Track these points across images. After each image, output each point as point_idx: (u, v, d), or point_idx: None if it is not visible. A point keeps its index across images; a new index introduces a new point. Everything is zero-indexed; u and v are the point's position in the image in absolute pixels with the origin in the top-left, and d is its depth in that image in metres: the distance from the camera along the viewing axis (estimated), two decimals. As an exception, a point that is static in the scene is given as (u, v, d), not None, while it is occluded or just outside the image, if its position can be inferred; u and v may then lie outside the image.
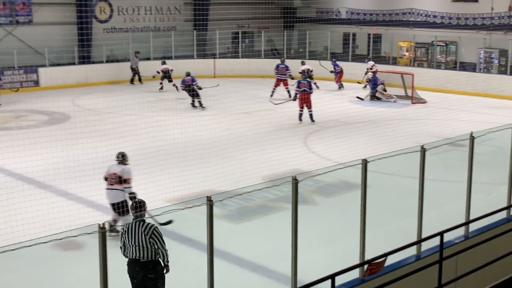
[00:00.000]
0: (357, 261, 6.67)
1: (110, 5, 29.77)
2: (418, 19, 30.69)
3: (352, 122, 19.21)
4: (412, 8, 30.92)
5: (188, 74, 21.61)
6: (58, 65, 26.59)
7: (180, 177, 12.59)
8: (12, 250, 5.40)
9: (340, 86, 26.37)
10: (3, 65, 24.89)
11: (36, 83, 25.47)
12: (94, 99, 21.01)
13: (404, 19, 31.19)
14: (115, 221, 10.01)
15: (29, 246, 4.96)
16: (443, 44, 29.45)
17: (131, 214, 7.22)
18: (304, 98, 19.12)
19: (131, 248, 6.76)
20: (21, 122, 19.40)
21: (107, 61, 27.90)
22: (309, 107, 19.14)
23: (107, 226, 4.99)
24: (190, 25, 31.95)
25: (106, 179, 10.17)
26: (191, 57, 30.04)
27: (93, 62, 27.76)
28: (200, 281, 6.01)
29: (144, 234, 6.69)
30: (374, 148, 14.01)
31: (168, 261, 6.92)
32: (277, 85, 23.73)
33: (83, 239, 6.42)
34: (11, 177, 13.19)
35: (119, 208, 9.94)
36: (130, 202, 9.53)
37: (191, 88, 21.41)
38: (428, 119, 20.10)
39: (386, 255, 6.29)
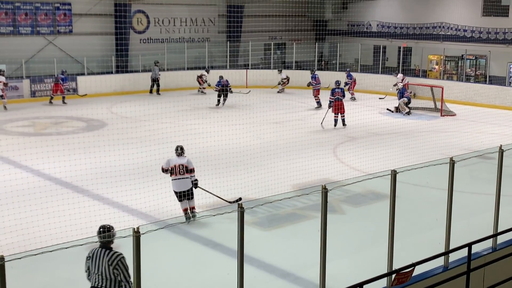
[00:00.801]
0: (384, 270, 6.61)
1: (147, 16, 30.13)
2: (448, 33, 30.41)
3: (382, 133, 19.09)
4: (443, 22, 30.66)
5: (222, 77, 24.24)
6: (96, 73, 26.97)
7: (212, 184, 12.62)
8: (50, 251, 5.49)
9: (353, 98, 26.27)
10: (44, 73, 25.36)
11: (75, 90, 25.85)
12: (130, 107, 21.24)
13: (434, 32, 30.95)
14: (186, 209, 10.99)
15: (66, 248, 5.03)
16: (473, 58, 29.14)
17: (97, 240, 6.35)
18: (338, 105, 19.99)
19: (94, 276, 6.28)
20: (60, 128, 19.71)
21: (143, 71, 28.19)
22: (343, 112, 20.04)
23: (141, 230, 5.02)
24: (224, 36, 32.16)
25: (167, 171, 11.09)
26: (224, 67, 30.22)
27: (130, 71, 28.08)
28: (229, 286, 6.01)
29: (108, 264, 6.17)
30: (403, 159, 13.90)
31: None
32: (317, 94, 24.15)
33: (117, 242, 6.43)
34: (50, 181, 13.37)
35: (189, 193, 10.95)
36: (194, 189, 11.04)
37: (225, 88, 23.87)
38: (457, 131, 19.86)
39: (414, 265, 6.23)
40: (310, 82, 24.85)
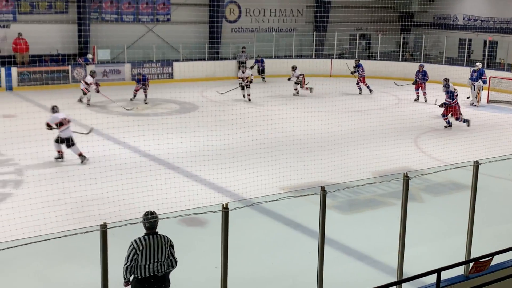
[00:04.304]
0: (461, 259, 6.43)
1: (239, 6, 30.33)
2: (537, 27, 28.88)
3: (464, 125, 18.42)
4: (531, 15, 29.15)
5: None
6: (190, 60, 27.45)
7: (294, 167, 12.65)
8: (146, 222, 5.68)
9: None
10: (143, 58, 26.13)
11: (171, 75, 26.47)
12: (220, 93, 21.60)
13: (521, 26, 29.47)
14: (81, 153, 13.34)
15: (162, 219, 5.19)
16: (561, 52, 27.56)
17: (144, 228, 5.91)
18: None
19: (149, 266, 5.83)
20: (156, 110, 20.22)
21: (233, 58, 28.45)
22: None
23: (229, 207, 5.10)
24: (311, 26, 31.92)
25: (57, 123, 13.27)
26: (310, 56, 30.04)
27: (221, 59, 28.39)
28: (310, 265, 6.01)
29: (169, 246, 5.95)
30: (484, 151, 13.39)
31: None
32: (362, 81, 24.32)
33: (205, 217, 6.52)
34: (145, 157, 13.80)
35: (72, 140, 13.34)
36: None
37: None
38: (542, 126, 18.88)
39: (492, 254, 6.02)
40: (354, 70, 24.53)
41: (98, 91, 20.23)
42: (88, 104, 20.37)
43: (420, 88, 22.58)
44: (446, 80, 18.81)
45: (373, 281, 5.79)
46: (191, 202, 9.82)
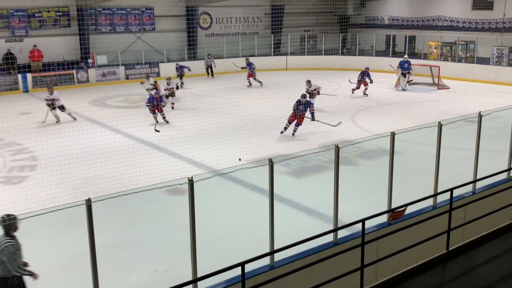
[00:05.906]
0: (384, 209, 6.44)
1: (211, 16, 29.81)
2: (445, 24, 29.06)
3: (390, 103, 18.53)
4: (440, 15, 29.30)
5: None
6: (173, 61, 26.96)
7: (257, 143, 12.56)
8: (137, 192, 5.50)
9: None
10: (135, 60, 25.57)
11: (158, 74, 25.98)
12: (196, 86, 21.25)
13: (433, 23, 29.63)
14: None
15: (142, 191, 5.04)
16: (464, 43, 27.78)
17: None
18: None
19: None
20: (145, 102, 19.83)
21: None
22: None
23: (195, 179, 4.98)
24: (269, 30, 31.62)
25: None
26: (269, 54, 29.78)
27: (197, 59, 27.96)
28: (268, 220, 5.92)
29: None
30: (406, 123, 13.47)
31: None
32: (249, 77, 22.94)
33: (187, 186, 6.33)
34: (136, 141, 13.55)
35: None
36: None
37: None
38: (450, 101, 19.13)
39: (406, 205, 6.05)
40: (245, 67, 23.11)
41: (54, 107, 15.47)
42: (57, 121, 15.26)
43: (364, 85, 20.36)
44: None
45: (319, 229, 5.76)
46: (174, 175, 9.67)
